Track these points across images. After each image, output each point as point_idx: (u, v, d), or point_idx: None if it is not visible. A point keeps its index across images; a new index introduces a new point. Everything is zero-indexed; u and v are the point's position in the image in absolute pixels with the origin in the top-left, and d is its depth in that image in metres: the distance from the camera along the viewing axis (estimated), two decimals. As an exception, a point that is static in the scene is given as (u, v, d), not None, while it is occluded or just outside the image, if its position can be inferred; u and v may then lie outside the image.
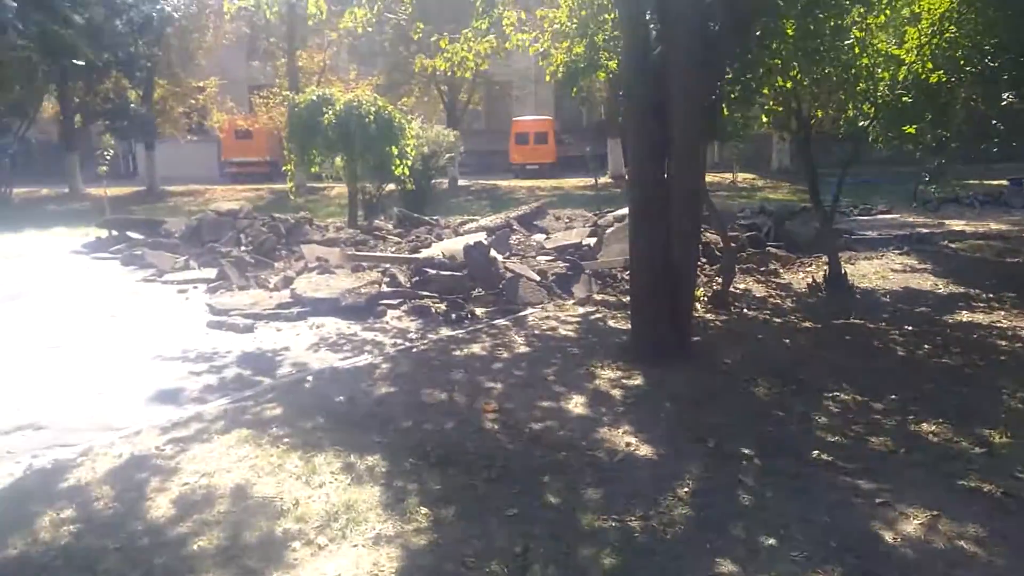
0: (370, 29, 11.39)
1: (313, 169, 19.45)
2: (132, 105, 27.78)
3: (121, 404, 5.72)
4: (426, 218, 16.17)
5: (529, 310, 8.72)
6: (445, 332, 7.81)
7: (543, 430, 5.06)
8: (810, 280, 10.23)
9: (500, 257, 10.68)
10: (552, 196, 25.84)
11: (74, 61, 21.11)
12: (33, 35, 19.91)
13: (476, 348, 7.11)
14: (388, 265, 10.47)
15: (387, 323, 8.29)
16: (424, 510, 3.97)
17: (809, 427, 5.13)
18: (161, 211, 23.50)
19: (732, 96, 8.33)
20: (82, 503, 4.13)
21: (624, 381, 6.06)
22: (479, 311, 8.67)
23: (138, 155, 34.54)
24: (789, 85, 9.65)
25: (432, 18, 19.89)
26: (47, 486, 4.36)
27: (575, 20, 9.35)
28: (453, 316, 8.26)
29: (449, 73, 12.77)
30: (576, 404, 5.56)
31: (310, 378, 6.28)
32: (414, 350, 7.14)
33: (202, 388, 6.08)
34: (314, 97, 18.35)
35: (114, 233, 14.78)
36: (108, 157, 18.92)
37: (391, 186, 21.18)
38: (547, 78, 10.82)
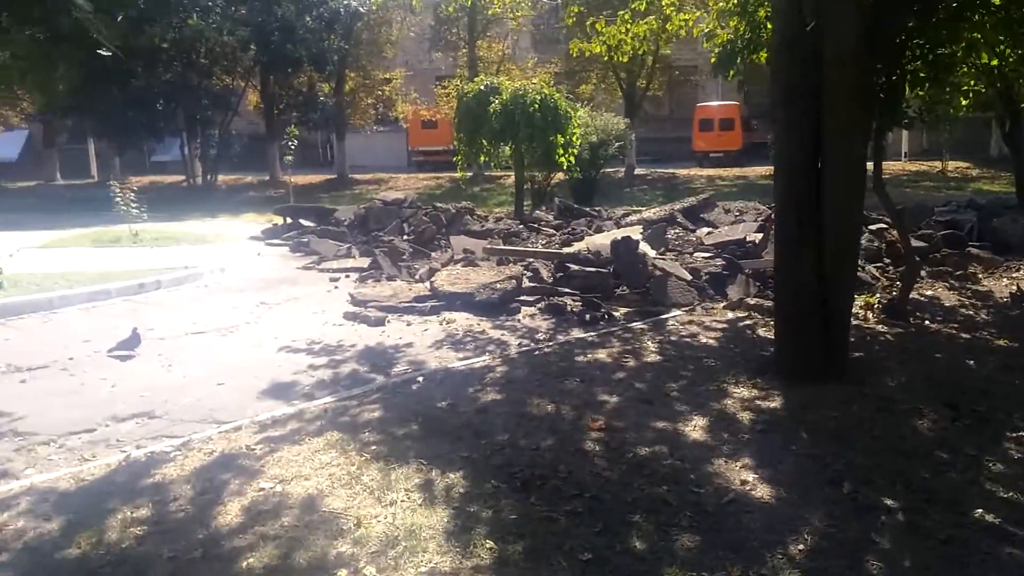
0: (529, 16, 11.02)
1: (482, 158, 19.50)
2: (321, 98, 29.23)
3: (235, 396, 5.73)
4: (587, 209, 15.69)
5: (673, 312, 8.06)
6: (576, 334, 7.34)
7: (649, 456, 4.49)
8: (1015, 288, 8.81)
9: (651, 253, 10.04)
10: (733, 186, 24.53)
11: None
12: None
13: (602, 354, 6.59)
14: (532, 259, 10.12)
15: (518, 321, 7.94)
16: (490, 544, 3.55)
17: (977, 476, 4.22)
18: (345, 199, 24.60)
19: (918, 76, 7.24)
20: (158, 503, 4.07)
21: (758, 403, 5.33)
22: (619, 311, 8.12)
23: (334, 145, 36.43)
24: (995, 62, 8.31)
25: (588, 1, 19.33)
26: (134, 480, 4.35)
27: (740, -5, 8.52)
28: (587, 316, 7.77)
29: (606, 57, 12.19)
30: (695, 427, 4.92)
31: (420, 379, 6.03)
32: (536, 353, 6.72)
33: (315, 383, 6.00)
34: (482, 87, 18.34)
35: (288, 220, 15.47)
36: (293, 147, 19.94)
37: (560, 175, 20.92)
38: (712, 59, 10.00)
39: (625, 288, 8.89)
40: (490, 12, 28.94)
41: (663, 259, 9.60)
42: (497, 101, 17.81)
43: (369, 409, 5.34)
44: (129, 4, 23.84)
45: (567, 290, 8.90)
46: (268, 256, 12.83)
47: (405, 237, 13.99)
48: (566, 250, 10.59)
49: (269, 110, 31.11)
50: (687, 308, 8.21)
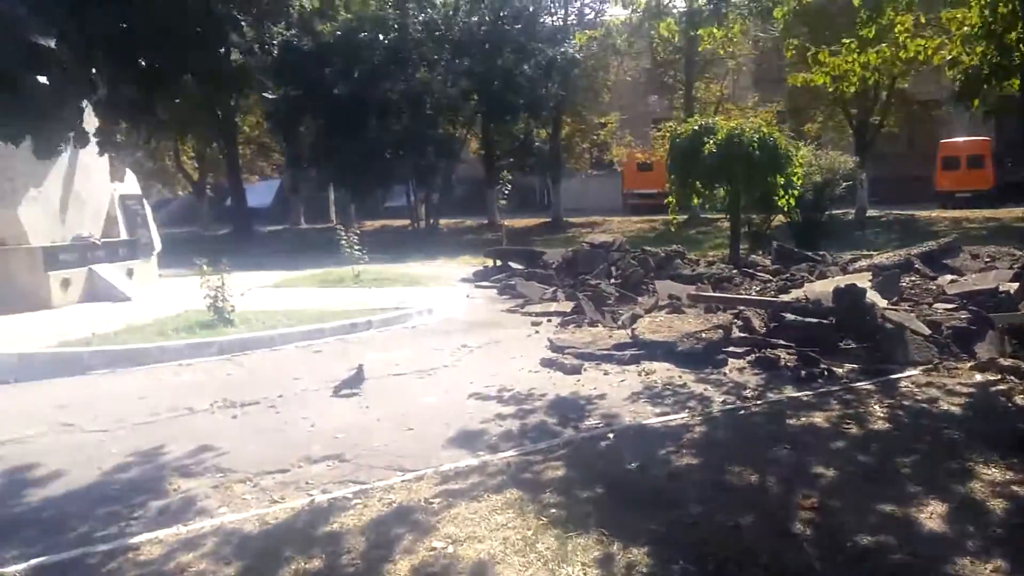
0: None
1: (695, 201, 18.87)
2: (537, 143, 29.88)
3: (422, 443, 5.62)
4: (808, 253, 14.55)
5: (907, 372, 7.07)
6: (788, 392, 6.60)
7: (872, 547, 3.78)
8: None
9: (882, 303, 8.98)
10: (983, 229, 21.98)
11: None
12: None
13: (819, 417, 5.84)
14: (742, 307, 9.40)
15: (724, 375, 7.31)
16: (669, 643, 3.08)
17: None
18: (558, 241, 24.80)
19: None
20: (332, 554, 3.96)
21: (1015, 488, 4.40)
22: (841, 369, 7.25)
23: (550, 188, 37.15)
24: None
25: (809, 33, 18.15)
26: (313, 527, 4.30)
27: (990, 17, 7.48)
28: (803, 373, 6.99)
29: (831, 88, 11.26)
30: (931, 514, 4.12)
31: (611, 435, 5.62)
32: (742, 412, 6.09)
33: (501, 434, 5.77)
34: (695, 127, 17.78)
35: (498, 263, 15.70)
36: (507, 192, 20.41)
37: (780, 218, 19.77)
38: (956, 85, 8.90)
39: (849, 342, 7.97)
40: (699, 47, 28.30)
41: (895, 310, 8.54)
42: (711, 141, 17.17)
43: (553, 466, 5.01)
44: (366, 59, 25.79)
45: (781, 342, 8.12)
46: (476, 298, 13.01)
47: (612, 281, 13.69)
48: (782, 298, 9.76)
49: (488, 156, 32.28)
50: (924, 368, 7.17)
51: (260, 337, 9.08)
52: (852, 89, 10.39)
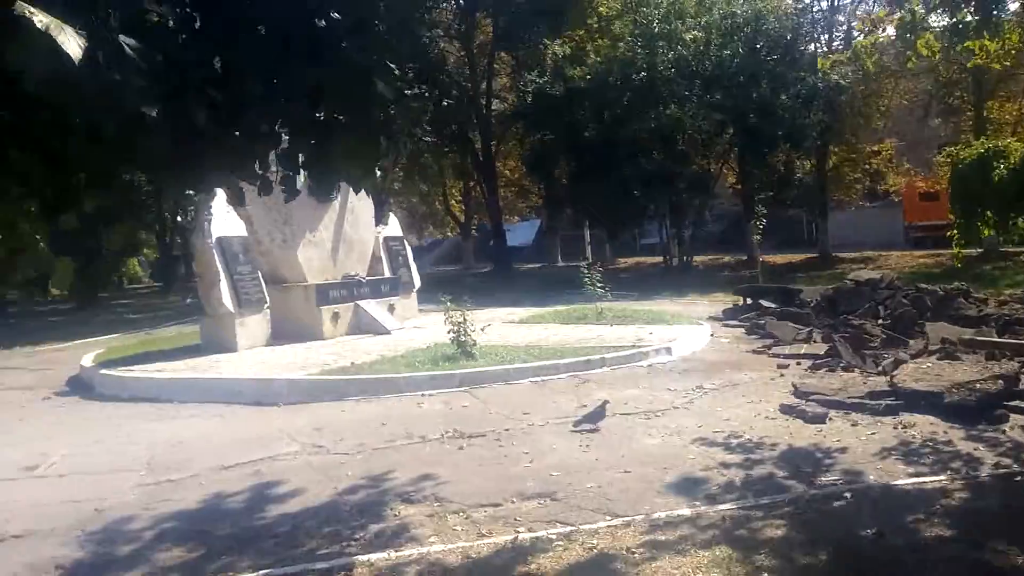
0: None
1: (985, 233, 16.78)
2: (798, 175, 28.27)
3: (637, 487, 5.37)
4: None
5: None
6: (1084, 458, 5.50)
7: None
8: None
9: None
10: None
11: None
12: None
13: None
14: (1033, 354, 8.05)
15: (1003, 433, 6.26)
16: None
17: None
18: (822, 279, 23.13)
19: None
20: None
21: None
22: None
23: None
24: None
25: None
26: (510, 566, 4.23)
27: None
28: (1106, 436, 5.79)
29: None
30: None
31: (848, 494, 4.99)
32: (1018, 478, 5.14)
33: (723, 484, 5.35)
34: (982, 150, 15.88)
35: (748, 301, 14.92)
36: (761, 226, 19.41)
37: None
38: None
39: None
40: (968, 65, 25.29)
41: None
42: (1003, 166, 15.22)
43: (774, 524, 4.53)
44: (615, 101, 26.08)
45: (1081, 397, 6.84)
46: (721, 337, 12.43)
47: (879, 322, 12.46)
48: None
49: (746, 190, 31.10)
50: None
51: (496, 371, 9.30)
52: None
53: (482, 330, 10.36)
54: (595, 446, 6.45)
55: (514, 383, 9.16)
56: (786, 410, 7.26)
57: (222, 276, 11.37)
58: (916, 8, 8.10)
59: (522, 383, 9.17)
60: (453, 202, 47.89)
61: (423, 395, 8.69)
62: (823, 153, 30.12)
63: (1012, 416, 6.61)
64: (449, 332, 10.16)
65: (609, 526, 4.69)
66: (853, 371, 9.01)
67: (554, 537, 4.57)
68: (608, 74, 27.41)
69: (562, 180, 31.74)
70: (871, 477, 5.34)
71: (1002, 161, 15.48)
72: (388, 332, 12.91)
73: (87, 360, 11.24)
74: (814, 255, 30.41)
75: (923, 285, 13.76)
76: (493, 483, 5.60)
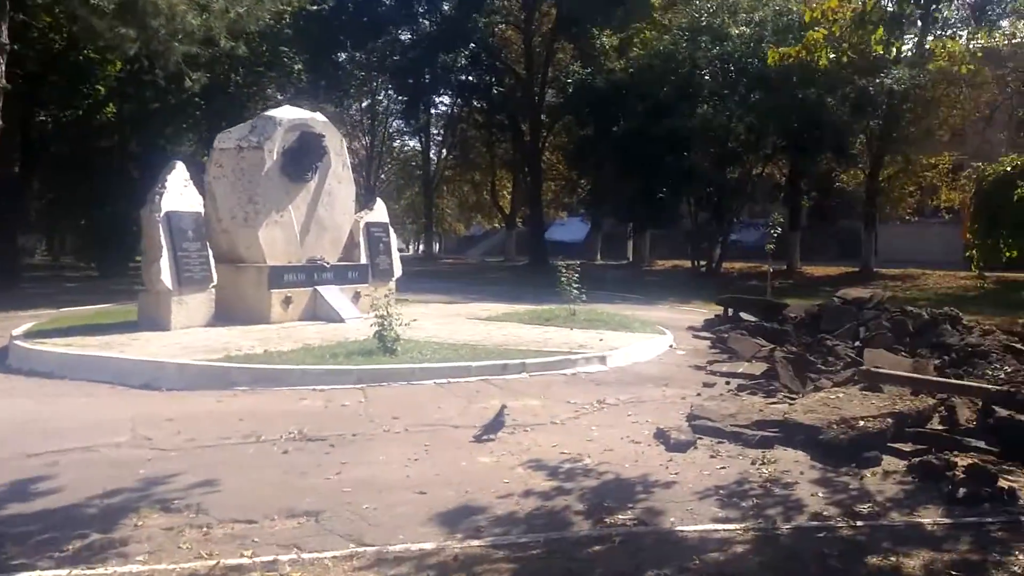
0: None
1: (1010, 254, 15.66)
2: (837, 184, 26.95)
3: (411, 512, 4.90)
4: None
5: None
6: (926, 515, 4.83)
7: None
8: None
9: None
10: None
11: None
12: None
13: (920, 559, 4.12)
14: (954, 393, 7.25)
15: (863, 477, 5.61)
16: None
17: None
18: (855, 293, 21.94)
19: None
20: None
21: None
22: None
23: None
24: None
25: None
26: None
27: None
28: (961, 492, 5.08)
29: None
30: None
31: (618, 539, 4.46)
32: (822, 534, 4.53)
33: (504, 516, 4.86)
34: (1007, 168, 14.78)
35: (730, 312, 14.18)
36: (776, 235, 18.53)
37: None
38: None
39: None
40: None
41: None
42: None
43: (500, 570, 4.07)
44: (651, 96, 25.26)
45: (980, 444, 6.10)
46: (680, 349, 11.80)
47: (856, 343, 11.65)
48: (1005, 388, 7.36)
49: (791, 198, 29.92)
50: None
51: (402, 370, 8.93)
52: None
53: (407, 325, 10.00)
54: (421, 461, 6.01)
55: (417, 384, 8.79)
56: (659, 434, 6.70)
57: (164, 252, 11.25)
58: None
59: (425, 384, 8.79)
60: (504, 193, 47.68)
61: (312, 390, 8.38)
62: (877, 163, 28.65)
63: (886, 459, 5.94)
64: (372, 326, 9.85)
65: (334, 557, 4.27)
66: (775, 395, 8.36)
67: (261, 565, 4.19)
68: (649, 68, 26.67)
69: (599, 175, 31.12)
70: (670, 520, 4.79)
71: (1026, 180, 14.40)
72: (343, 321, 12.67)
73: (18, 330, 11.24)
74: (856, 268, 29.04)
75: (911, 308, 12.77)
76: (271, 496, 5.20)
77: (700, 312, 17.06)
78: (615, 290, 23.20)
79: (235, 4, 16.85)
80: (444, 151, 46.87)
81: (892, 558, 4.16)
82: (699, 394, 8.52)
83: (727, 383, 9.10)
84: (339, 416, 7.41)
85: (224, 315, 12.10)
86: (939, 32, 24.69)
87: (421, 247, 56.62)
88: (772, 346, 11.35)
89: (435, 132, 46.35)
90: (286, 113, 13.72)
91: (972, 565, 4.06)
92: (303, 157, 13.25)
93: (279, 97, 27.99)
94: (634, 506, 5.04)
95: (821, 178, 28.51)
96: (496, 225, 50.64)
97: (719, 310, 16.38)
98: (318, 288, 13.20)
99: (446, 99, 42.32)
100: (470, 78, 37.68)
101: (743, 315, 13.85)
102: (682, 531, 4.61)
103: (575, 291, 13.82)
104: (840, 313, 13.00)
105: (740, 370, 9.68)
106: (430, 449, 6.32)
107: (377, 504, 5.07)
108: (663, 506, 5.03)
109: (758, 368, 9.61)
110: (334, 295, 13.24)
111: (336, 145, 14.23)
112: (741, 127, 24.90)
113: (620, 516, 4.86)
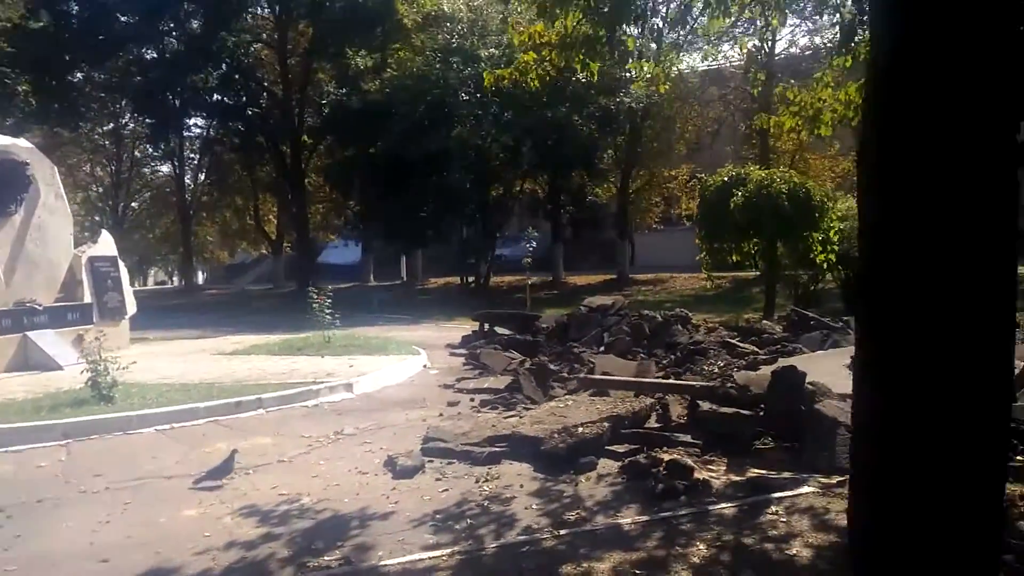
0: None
1: (733, 258, 17.11)
2: (590, 198, 28.51)
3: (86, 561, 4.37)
4: (827, 320, 12.48)
5: (801, 489, 5.29)
6: (625, 515, 4.98)
7: None
8: None
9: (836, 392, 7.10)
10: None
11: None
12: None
13: (611, 561, 4.20)
14: (667, 393, 7.70)
15: (579, 483, 5.73)
16: None
17: None
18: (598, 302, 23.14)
19: None
20: None
21: None
22: (725, 479, 5.54)
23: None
24: None
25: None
26: None
27: None
28: (659, 487, 5.31)
29: (803, 132, 9.42)
30: None
31: (311, 584, 4.19)
32: (524, 549, 4.51)
33: (195, 574, 4.44)
34: (726, 178, 16.19)
35: (486, 327, 14.37)
36: (532, 248, 19.16)
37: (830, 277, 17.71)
38: None
39: (768, 440, 6.22)
40: (753, 91, 26.39)
41: (837, 401, 6.63)
42: (740, 194, 15.52)
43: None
44: (406, 116, 25.24)
45: (688, 439, 6.46)
46: (434, 369, 11.74)
47: (601, 349, 12.18)
48: (698, 384, 7.92)
49: (552, 212, 31.17)
50: (841, 479, 5.36)
51: (117, 419, 8.08)
52: (829, 132, 8.37)
53: (125, 367, 9.12)
54: (113, 523, 5.36)
55: (134, 433, 7.98)
56: (388, 462, 6.48)
57: None
58: (569, 23, 7.62)
59: (144, 432, 7.99)
60: (270, 218, 45.84)
61: (4, 452, 7.37)
62: (625, 176, 30.56)
63: (602, 462, 6.12)
64: (82, 372, 8.87)
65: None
66: (515, 407, 8.46)
67: None
68: (404, 89, 26.68)
69: (363, 196, 30.74)
70: (379, 554, 4.57)
71: (741, 188, 15.78)
72: (61, 368, 11.36)
73: None
74: (612, 276, 30.76)
75: (647, 312, 13.60)
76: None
77: (463, 329, 17.14)
78: (383, 311, 22.92)
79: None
80: (201, 175, 44.23)
81: (584, 564, 4.21)
82: (441, 414, 8.43)
83: (471, 400, 9.11)
84: (30, 480, 6.52)
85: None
86: (652, 56, 26.92)
87: (182, 279, 53.11)
88: (523, 358, 11.58)
89: (190, 156, 43.58)
90: (-20, 139, 12.20)
91: (656, 561, 4.19)
92: (4, 188, 11.80)
93: (7, 123, 25.04)
94: (344, 544, 4.77)
95: (576, 192, 29.90)
96: (264, 251, 48.56)
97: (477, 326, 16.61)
98: (28, 334, 11.75)
99: (199, 121, 39.91)
100: (224, 99, 35.77)
101: (498, 329, 14.07)
102: (386, 565, 4.41)
103: (328, 317, 13.38)
104: (586, 321, 13.57)
105: (486, 385, 9.72)
106: (130, 507, 5.68)
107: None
108: (375, 540, 4.81)
109: (504, 382, 9.70)
110: (49, 341, 11.85)
111: (46, 174, 12.83)
112: (497, 146, 25.55)
113: (327, 557, 4.58)
